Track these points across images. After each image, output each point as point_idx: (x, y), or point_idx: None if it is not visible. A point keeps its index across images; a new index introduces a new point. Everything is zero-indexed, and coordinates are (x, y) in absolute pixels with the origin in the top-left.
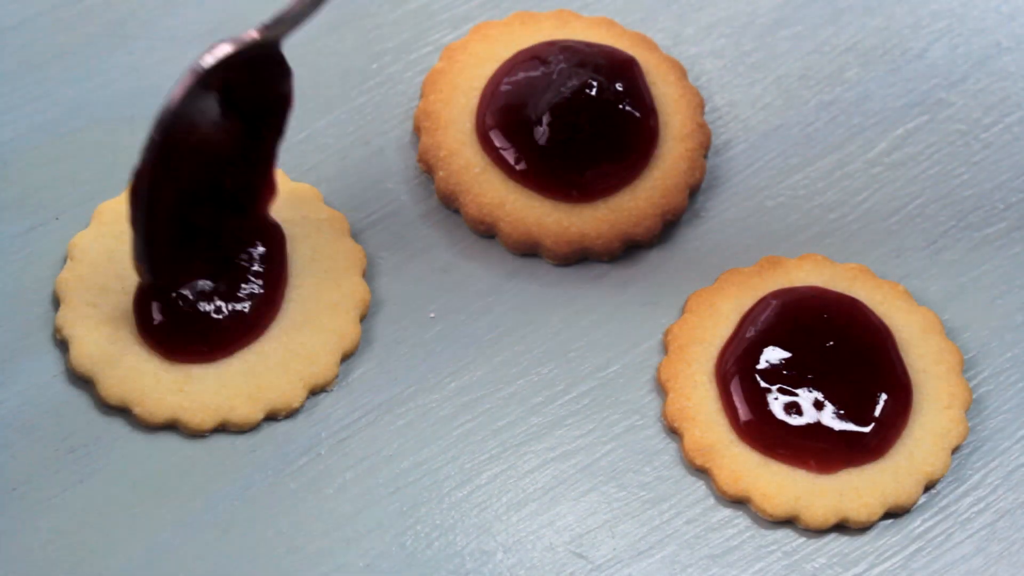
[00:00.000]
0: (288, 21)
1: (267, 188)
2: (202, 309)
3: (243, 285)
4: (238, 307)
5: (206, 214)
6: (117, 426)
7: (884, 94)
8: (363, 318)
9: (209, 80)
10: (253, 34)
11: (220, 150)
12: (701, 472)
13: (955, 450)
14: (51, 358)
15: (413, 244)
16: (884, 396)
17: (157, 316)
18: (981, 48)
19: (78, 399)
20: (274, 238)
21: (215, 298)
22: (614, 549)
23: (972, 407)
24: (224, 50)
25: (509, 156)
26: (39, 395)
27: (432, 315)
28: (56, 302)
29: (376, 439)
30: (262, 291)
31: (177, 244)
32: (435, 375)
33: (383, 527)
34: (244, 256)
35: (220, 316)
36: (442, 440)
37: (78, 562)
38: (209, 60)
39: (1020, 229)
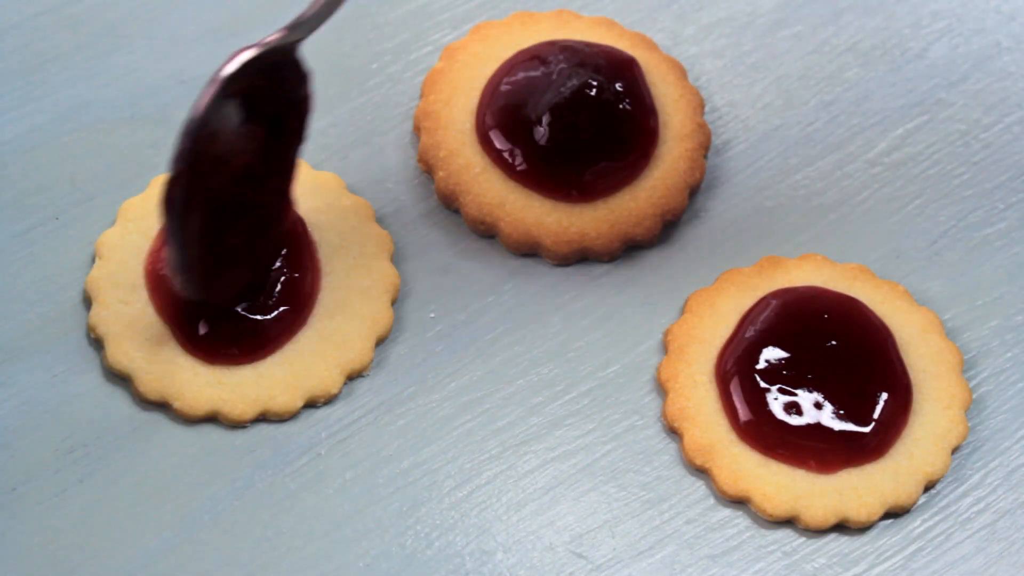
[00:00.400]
0: (308, 24)
1: (290, 194)
2: (242, 318)
3: (279, 288)
4: (277, 311)
5: (236, 225)
6: (118, 426)
7: (884, 94)
8: (394, 302)
9: (231, 87)
10: (274, 38)
11: (245, 157)
12: (701, 472)
13: (955, 450)
14: (51, 357)
15: (413, 244)
16: (884, 396)
17: (199, 328)
18: (981, 48)
19: (78, 399)
20: (297, 231)
21: (254, 306)
22: (614, 549)
23: (972, 407)
24: (247, 55)
25: (509, 156)
26: (39, 395)
27: (432, 315)
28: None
29: (376, 439)
30: (298, 290)
31: (211, 257)
32: (435, 375)
33: (383, 527)
34: (275, 258)
35: (261, 323)
36: (442, 440)
37: (78, 562)
38: (232, 67)
39: (1020, 229)
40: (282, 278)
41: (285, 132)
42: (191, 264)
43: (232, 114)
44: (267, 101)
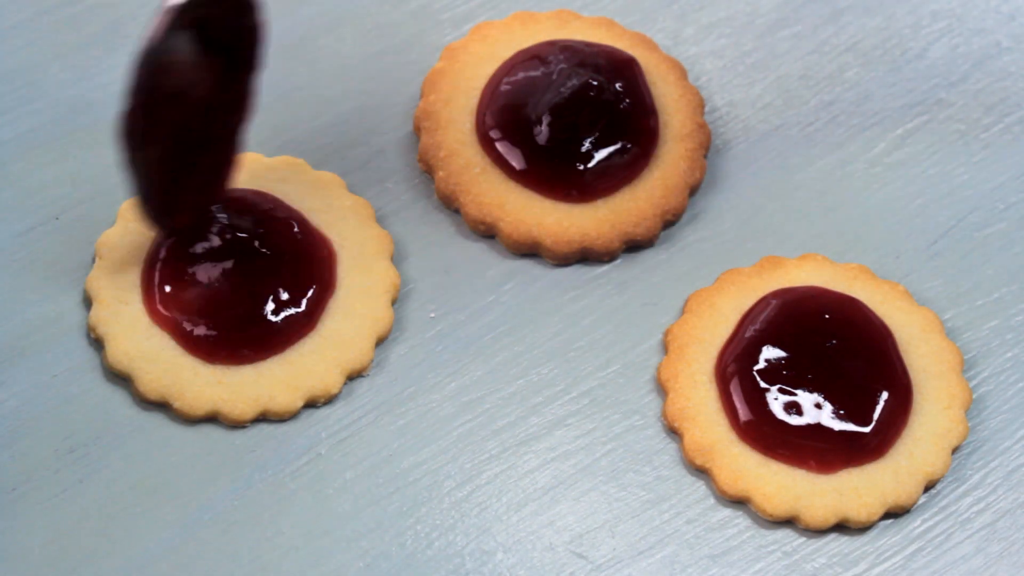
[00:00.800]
0: None
1: (246, 126)
2: (252, 323)
3: (295, 296)
4: (289, 314)
5: (195, 158)
6: (118, 426)
7: (884, 94)
8: (394, 302)
9: (183, 17)
10: None
11: (202, 89)
12: (701, 472)
13: (955, 450)
14: (51, 357)
15: (413, 244)
16: (884, 396)
17: (202, 331)
18: (981, 48)
19: (78, 399)
20: (326, 254)
21: (266, 311)
22: (614, 549)
23: (972, 407)
24: None
25: (509, 156)
26: (39, 395)
27: (432, 315)
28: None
29: (376, 439)
30: (310, 301)
31: (170, 187)
32: (435, 375)
33: (383, 527)
34: (294, 272)
35: (271, 325)
36: (442, 440)
37: (78, 562)
38: None
39: (1020, 229)
40: (296, 289)
41: (241, 62)
42: (149, 196)
43: (185, 45)
44: (220, 31)
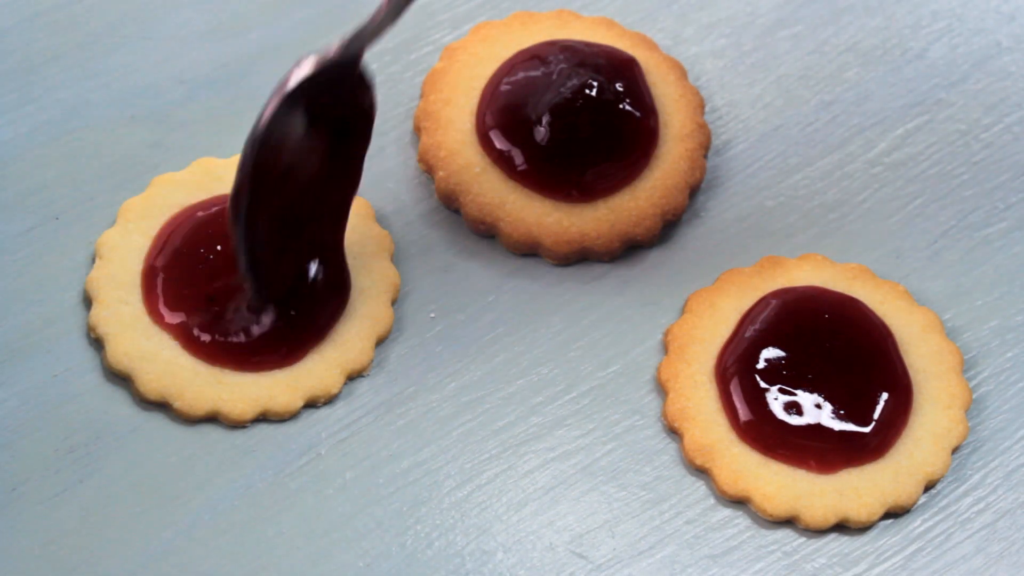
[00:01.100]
0: (369, 34)
1: (351, 200)
2: (257, 333)
3: (305, 309)
4: (294, 325)
5: (301, 232)
6: (118, 426)
7: (884, 94)
8: (394, 302)
9: (294, 98)
10: (335, 50)
11: (311, 167)
12: (701, 472)
13: (955, 450)
14: (51, 357)
15: (413, 244)
16: (884, 396)
17: (205, 337)
18: (981, 48)
19: (78, 399)
20: (341, 269)
21: (276, 319)
22: (614, 549)
23: (972, 407)
24: (308, 69)
25: (509, 156)
26: (39, 395)
27: (432, 315)
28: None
29: (376, 439)
30: (320, 316)
31: (274, 262)
32: (435, 375)
33: (383, 527)
34: (308, 281)
35: (275, 333)
36: (442, 440)
37: (78, 562)
38: (294, 81)
39: (1020, 229)
40: (311, 301)
41: (350, 138)
42: (256, 270)
43: (297, 124)
44: (331, 109)
